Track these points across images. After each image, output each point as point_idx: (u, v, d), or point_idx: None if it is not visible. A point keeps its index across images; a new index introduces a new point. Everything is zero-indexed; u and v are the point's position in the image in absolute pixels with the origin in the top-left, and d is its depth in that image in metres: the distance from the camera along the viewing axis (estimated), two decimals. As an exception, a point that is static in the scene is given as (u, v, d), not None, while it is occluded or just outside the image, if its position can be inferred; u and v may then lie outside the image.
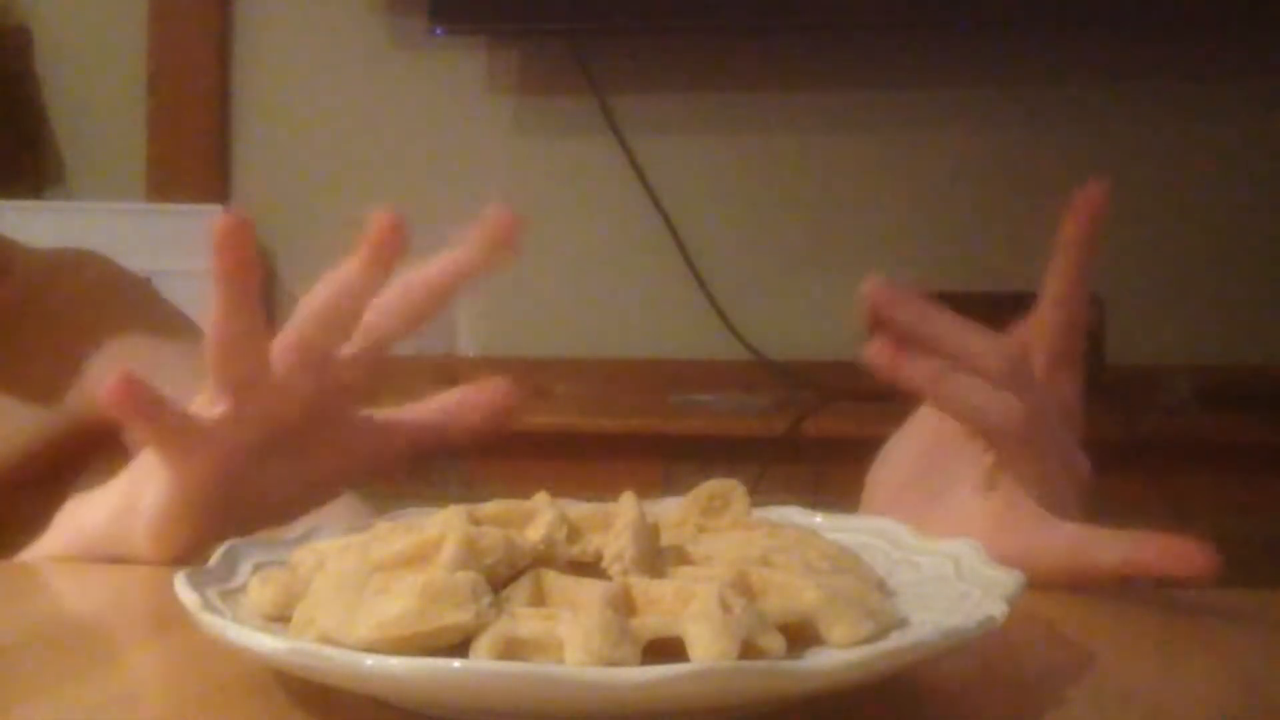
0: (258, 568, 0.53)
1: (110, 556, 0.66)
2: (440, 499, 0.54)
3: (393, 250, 0.63)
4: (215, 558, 0.53)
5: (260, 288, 0.62)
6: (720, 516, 0.55)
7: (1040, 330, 0.67)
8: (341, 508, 0.74)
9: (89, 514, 0.68)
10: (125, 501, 0.65)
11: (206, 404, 0.64)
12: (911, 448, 0.69)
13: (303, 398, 0.65)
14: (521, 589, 0.46)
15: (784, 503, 0.61)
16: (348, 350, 0.66)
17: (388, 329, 0.66)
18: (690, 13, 2.10)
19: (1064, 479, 0.64)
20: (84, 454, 0.94)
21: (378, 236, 0.62)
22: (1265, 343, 2.04)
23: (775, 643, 0.43)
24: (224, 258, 0.61)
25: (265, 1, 2.24)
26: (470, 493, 1.88)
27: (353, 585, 0.46)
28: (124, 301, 0.95)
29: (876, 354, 0.63)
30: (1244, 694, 0.51)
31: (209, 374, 0.63)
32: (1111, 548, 0.61)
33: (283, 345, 0.64)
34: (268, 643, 0.44)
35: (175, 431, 0.62)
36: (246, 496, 0.65)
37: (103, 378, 0.90)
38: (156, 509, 0.64)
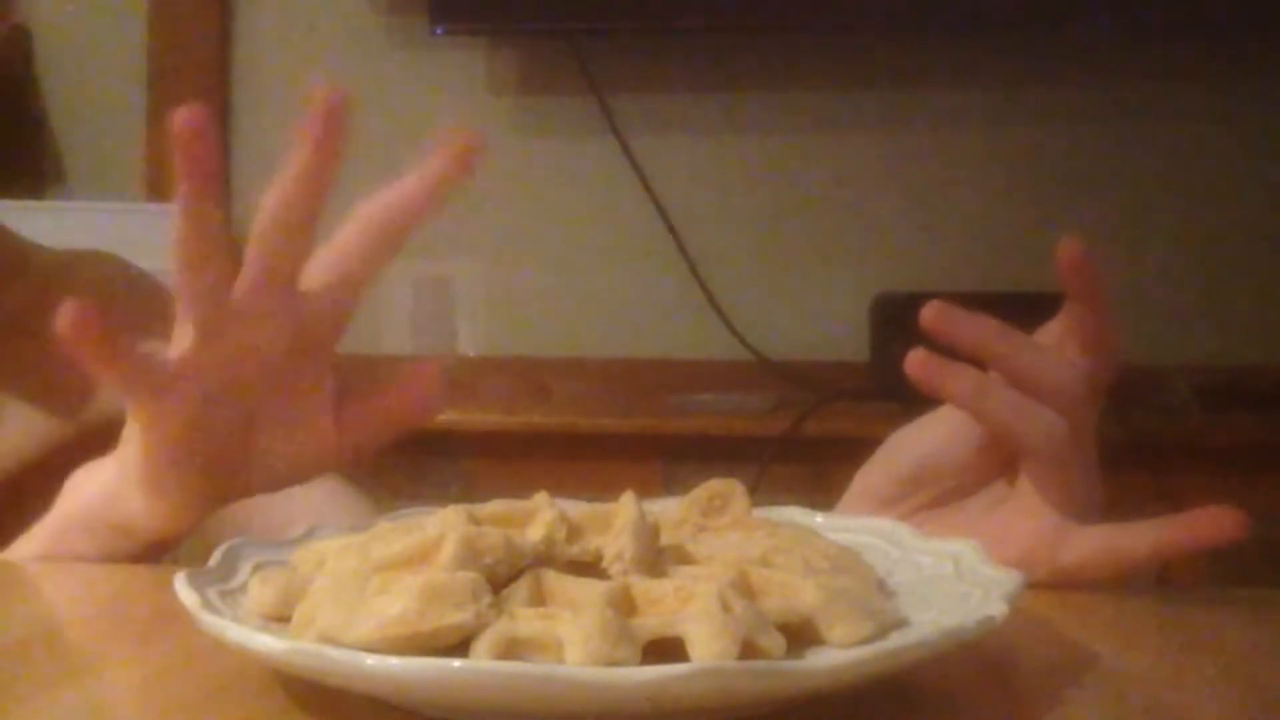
0: (258, 568, 0.53)
1: (114, 523, 0.65)
2: (440, 499, 0.54)
3: (334, 132, 0.60)
4: (215, 558, 0.53)
5: (221, 197, 0.59)
6: (720, 516, 0.55)
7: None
8: (326, 493, 0.73)
9: (88, 485, 0.67)
10: (119, 466, 0.65)
11: (177, 339, 0.62)
12: (914, 455, 0.68)
13: (275, 325, 0.62)
14: (521, 589, 0.46)
15: (784, 503, 0.61)
16: (320, 280, 0.63)
17: (358, 257, 0.63)
18: (690, 13, 2.10)
19: (1085, 506, 0.64)
20: (93, 451, 0.94)
21: (317, 118, 0.60)
22: (1265, 343, 2.04)
23: (775, 643, 0.43)
24: (187, 156, 0.58)
25: (265, 1, 2.24)
26: (470, 493, 1.88)
27: (353, 585, 0.46)
28: (136, 300, 0.95)
29: (916, 366, 0.63)
30: (1244, 694, 0.51)
31: (177, 297, 0.61)
32: (1143, 535, 0.62)
33: (246, 265, 0.62)
34: (268, 643, 0.44)
35: (138, 370, 0.60)
36: (234, 455, 0.64)
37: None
38: (141, 469, 0.63)
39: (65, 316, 0.58)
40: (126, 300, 0.94)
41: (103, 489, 0.66)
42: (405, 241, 0.64)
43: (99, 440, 0.93)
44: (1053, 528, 0.62)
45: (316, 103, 0.59)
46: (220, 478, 0.64)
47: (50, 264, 0.94)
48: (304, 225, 0.62)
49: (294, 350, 0.63)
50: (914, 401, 0.69)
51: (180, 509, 0.63)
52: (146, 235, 2.05)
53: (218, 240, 0.60)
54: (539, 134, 2.20)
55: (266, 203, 0.61)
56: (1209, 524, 0.60)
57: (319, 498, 0.73)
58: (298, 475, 0.67)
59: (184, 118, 0.57)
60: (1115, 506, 0.65)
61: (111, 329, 0.59)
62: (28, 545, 0.69)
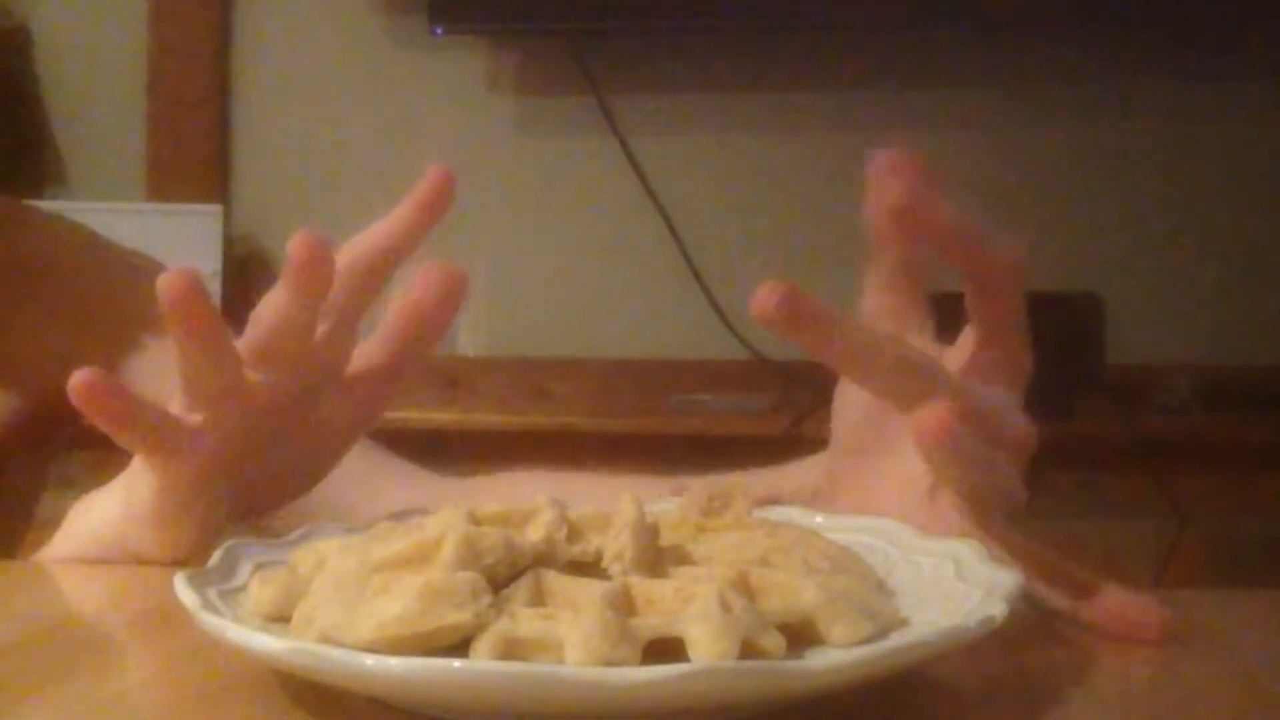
0: (258, 568, 0.53)
1: (124, 556, 0.65)
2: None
3: (314, 279, 0.60)
4: (215, 558, 0.53)
5: (217, 317, 0.60)
6: (720, 516, 0.55)
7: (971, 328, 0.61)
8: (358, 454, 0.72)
9: (97, 514, 0.67)
10: (127, 499, 0.65)
11: (181, 409, 0.62)
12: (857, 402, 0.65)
13: (280, 393, 0.63)
14: (521, 589, 0.46)
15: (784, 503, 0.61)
16: (319, 332, 0.64)
17: (350, 302, 0.64)
18: (690, 13, 2.10)
19: (984, 488, 0.57)
20: (59, 427, 0.94)
21: (298, 264, 0.60)
22: (1265, 343, 2.04)
23: (775, 643, 0.43)
24: (182, 320, 0.58)
25: (265, 2, 2.24)
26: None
27: (353, 585, 0.46)
28: (94, 265, 0.94)
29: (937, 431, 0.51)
30: (1244, 694, 0.51)
31: (180, 388, 0.62)
32: (1073, 591, 0.56)
33: (248, 356, 0.62)
34: (268, 643, 0.44)
35: (153, 435, 0.61)
36: (245, 485, 0.64)
37: (74, 344, 0.90)
38: (151, 508, 0.63)
39: (79, 381, 0.57)
40: (96, 274, 0.93)
41: (109, 522, 0.66)
42: (388, 279, 0.64)
43: (55, 414, 0.93)
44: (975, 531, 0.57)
45: (294, 252, 0.60)
46: (233, 508, 0.64)
47: (23, 228, 0.93)
48: (299, 343, 0.62)
49: (302, 392, 0.64)
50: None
51: (192, 540, 0.63)
52: (146, 235, 2.05)
53: (219, 345, 0.60)
54: (539, 134, 2.20)
55: (263, 308, 0.62)
56: (1131, 622, 0.54)
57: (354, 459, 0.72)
58: (314, 480, 0.68)
59: (175, 284, 0.58)
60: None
61: (127, 393, 0.59)
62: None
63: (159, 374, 0.88)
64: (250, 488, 0.65)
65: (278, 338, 0.62)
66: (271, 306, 0.62)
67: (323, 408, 0.66)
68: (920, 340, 0.63)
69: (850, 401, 0.65)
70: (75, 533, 0.67)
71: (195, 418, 0.62)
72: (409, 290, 0.65)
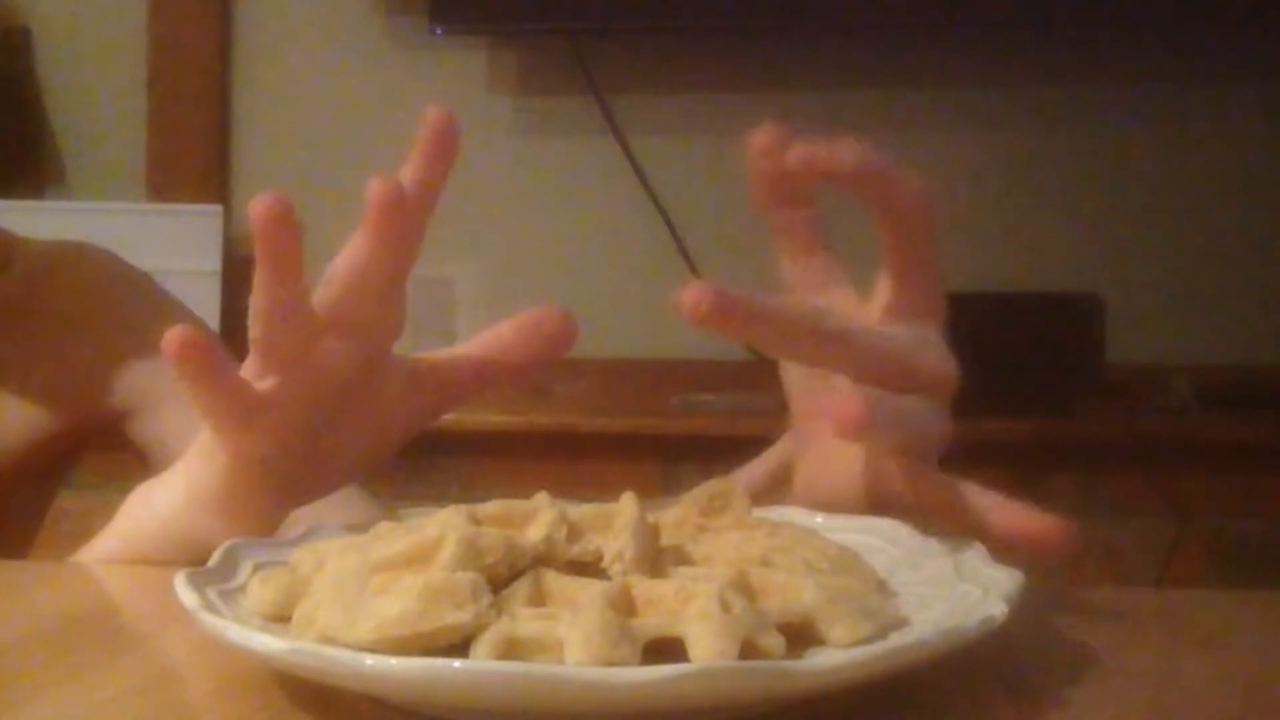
0: (258, 568, 0.53)
1: (186, 540, 0.64)
2: (440, 499, 0.54)
3: (395, 224, 0.60)
4: (215, 558, 0.53)
5: (301, 261, 0.58)
6: (720, 516, 0.55)
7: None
8: (342, 498, 0.72)
9: (161, 503, 0.66)
10: (190, 483, 0.64)
11: (251, 378, 0.61)
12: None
13: (350, 361, 0.62)
14: (521, 589, 0.46)
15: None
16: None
17: (395, 264, 0.63)
18: (690, 13, 2.10)
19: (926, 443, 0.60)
20: (78, 448, 0.94)
21: (381, 207, 0.59)
22: (1265, 343, 2.04)
23: (775, 643, 0.43)
24: (267, 241, 0.57)
25: (265, 2, 2.24)
26: (470, 493, 1.88)
27: (353, 585, 0.46)
28: (123, 294, 0.95)
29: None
30: (1244, 694, 0.51)
31: (254, 349, 0.61)
32: (992, 508, 0.57)
33: (327, 312, 0.61)
34: (268, 643, 0.44)
35: (232, 401, 0.60)
36: (309, 465, 0.63)
37: (102, 371, 0.91)
38: (217, 491, 0.62)
39: (174, 337, 0.57)
40: (111, 293, 0.94)
41: (170, 509, 0.65)
42: (418, 238, 0.64)
43: (78, 432, 0.93)
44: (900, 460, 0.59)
45: (376, 196, 0.59)
46: (295, 493, 0.64)
47: (36, 257, 0.94)
48: (377, 296, 0.62)
49: (365, 360, 0.64)
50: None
51: (254, 528, 0.63)
52: (146, 235, 2.05)
53: (299, 290, 0.59)
54: (539, 134, 2.20)
55: (340, 261, 0.61)
56: (1050, 533, 0.56)
57: (337, 501, 0.72)
58: (368, 469, 0.67)
59: (264, 207, 0.57)
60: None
61: (218, 356, 0.58)
62: (90, 556, 0.67)
63: (171, 393, 0.89)
64: (313, 471, 0.64)
65: (357, 288, 0.61)
66: (350, 257, 0.61)
67: (388, 388, 0.65)
68: (841, 293, 0.67)
69: (792, 375, 0.68)
70: (137, 522, 0.66)
71: (266, 384, 0.61)
72: (526, 319, 0.66)
